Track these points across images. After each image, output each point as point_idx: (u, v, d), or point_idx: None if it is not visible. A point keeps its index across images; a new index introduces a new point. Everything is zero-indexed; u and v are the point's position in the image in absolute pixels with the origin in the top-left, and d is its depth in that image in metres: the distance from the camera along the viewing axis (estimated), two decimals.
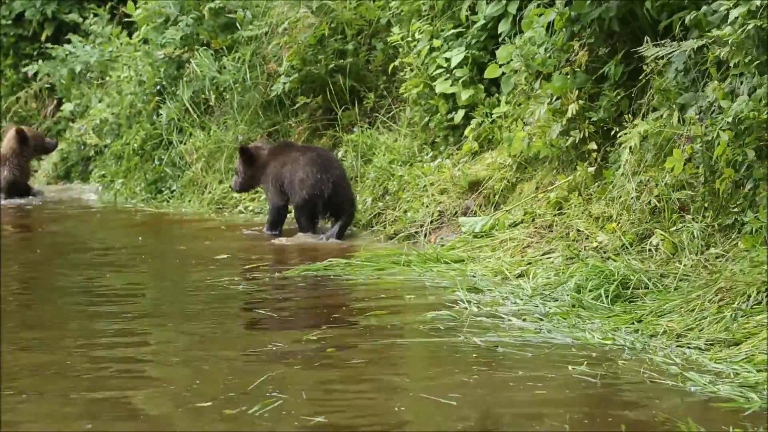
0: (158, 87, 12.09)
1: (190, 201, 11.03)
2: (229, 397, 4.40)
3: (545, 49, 7.61)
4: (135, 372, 4.89)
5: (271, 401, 4.26)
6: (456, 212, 8.17)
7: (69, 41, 14.93)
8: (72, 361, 5.05)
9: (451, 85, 8.70)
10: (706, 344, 5.05)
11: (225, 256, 8.12)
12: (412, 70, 9.11)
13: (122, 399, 4.46)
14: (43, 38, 16.08)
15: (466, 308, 5.94)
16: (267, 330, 5.69)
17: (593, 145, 7.22)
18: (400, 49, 9.40)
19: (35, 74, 15.41)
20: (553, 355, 5.01)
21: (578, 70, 7.31)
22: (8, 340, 5.48)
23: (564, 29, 7.49)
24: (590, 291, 5.84)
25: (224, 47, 11.40)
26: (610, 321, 5.47)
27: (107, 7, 14.79)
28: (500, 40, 8.45)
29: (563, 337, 5.28)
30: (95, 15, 14.68)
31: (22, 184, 12.16)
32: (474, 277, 6.72)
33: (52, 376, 4.73)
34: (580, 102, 7.21)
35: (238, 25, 11.27)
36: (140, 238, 9.39)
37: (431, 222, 8.25)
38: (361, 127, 9.91)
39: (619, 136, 6.84)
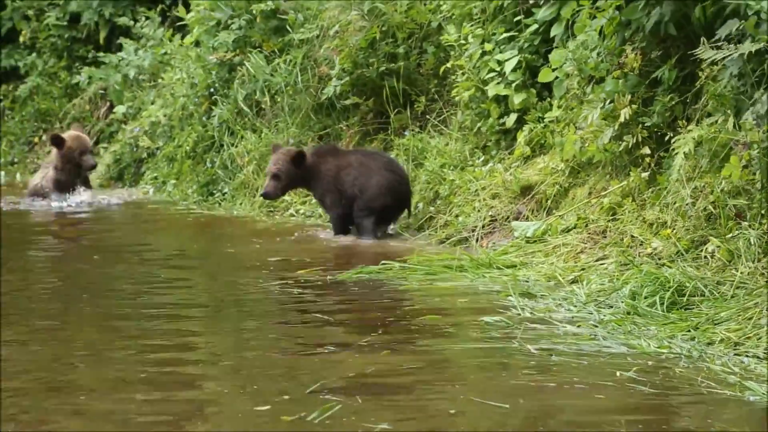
0: (210, 90, 12.17)
1: (241, 203, 11.09)
2: (286, 401, 4.42)
3: (598, 54, 7.58)
4: (188, 375, 4.91)
5: (329, 407, 4.26)
6: (508, 217, 8.15)
7: (121, 46, 15.07)
8: (124, 363, 5.08)
9: (503, 89, 8.68)
10: (764, 353, 4.99)
11: (277, 258, 8.16)
12: (463, 74, 9.10)
13: (176, 402, 4.48)
14: (101, 41, 16.24)
15: (519, 314, 5.92)
16: (320, 333, 5.69)
17: (647, 150, 7.17)
18: (452, 52, 9.39)
19: (88, 78, 15.57)
20: (608, 363, 4.98)
21: (631, 74, 7.27)
22: (64, 339, 5.54)
23: (616, 34, 7.46)
24: (645, 298, 5.80)
25: (276, 50, 11.45)
26: (666, 329, 5.43)
27: (158, 9, 14.92)
28: (553, 44, 8.42)
29: (618, 344, 5.25)
30: (147, 18, 14.81)
31: (57, 187, 12.10)
32: (527, 282, 6.70)
33: (105, 381, 4.75)
34: (633, 106, 7.17)
35: (289, 28, 11.32)
36: (195, 245, 9.45)
37: (483, 226, 8.24)
38: (412, 130, 9.92)
39: (673, 142, 6.79)
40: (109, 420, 4.26)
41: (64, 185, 12.06)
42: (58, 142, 11.97)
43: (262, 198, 9.54)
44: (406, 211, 8.92)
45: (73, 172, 12.10)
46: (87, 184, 12.30)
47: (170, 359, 5.21)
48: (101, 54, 15.29)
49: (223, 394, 4.57)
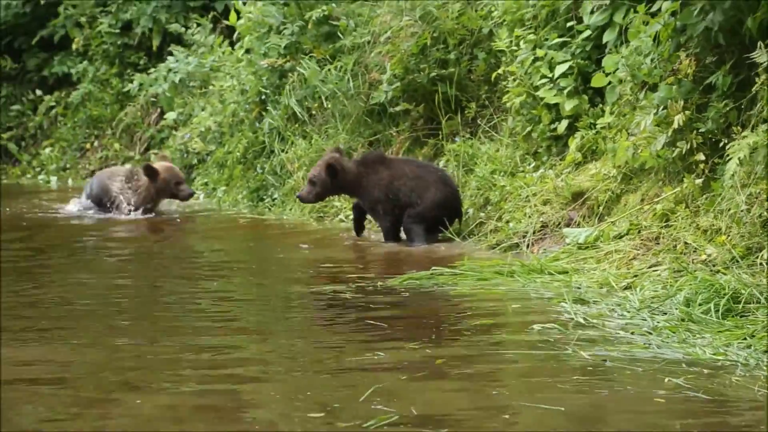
0: (261, 96, 12.23)
1: (291, 209, 11.13)
2: (339, 408, 4.41)
3: (651, 60, 7.54)
4: (241, 380, 4.93)
5: (386, 416, 4.23)
6: (559, 223, 8.12)
7: (171, 53, 15.19)
8: (176, 368, 5.10)
9: (555, 95, 8.66)
10: None
11: (327, 264, 8.18)
12: (515, 80, 9.08)
13: (230, 407, 4.49)
14: (153, 47, 16.38)
15: (572, 320, 5.89)
16: (372, 339, 5.69)
17: (701, 157, 7.12)
18: (503, 58, 9.38)
19: (139, 87, 15.71)
20: (662, 369, 4.93)
21: (685, 80, 7.22)
22: (118, 349, 5.58)
23: (670, 39, 7.41)
24: (700, 305, 5.74)
25: (327, 56, 11.49)
26: (722, 336, 5.37)
27: (210, 16, 15.02)
28: (606, 50, 8.38)
29: (673, 351, 5.20)
30: (198, 25, 14.92)
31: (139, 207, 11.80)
32: (579, 288, 6.67)
33: (155, 391, 4.77)
34: (687, 113, 7.12)
35: (340, 34, 11.35)
36: (245, 250, 9.48)
37: (534, 232, 8.21)
38: (462, 136, 9.91)
39: (728, 148, 6.74)
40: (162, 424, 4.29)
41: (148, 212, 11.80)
42: (151, 173, 11.62)
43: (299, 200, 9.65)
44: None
45: (157, 201, 11.88)
46: None
47: (219, 363, 5.23)
48: (152, 70, 15.41)
49: (274, 400, 4.57)
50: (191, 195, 11.80)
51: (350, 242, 9.27)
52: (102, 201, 11.89)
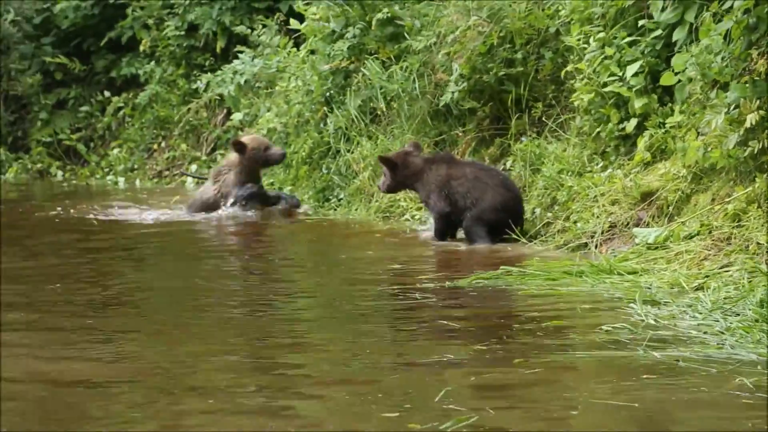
0: (326, 96, 12.26)
1: (356, 209, 11.16)
2: (413, 409, 4.38)
3: (722, 58, 7.45)
4: (309, 380, 4.93)
5: (465, 417, 4.19)
6: (628, 223, 8.05)
7: (237, 55, 15.29)
8: (240, 372, 5.13)
9: (625, 91, 8.58)
10: None
11: (394, 264, 8.19)
12: (582, 78, 9.01)
13: (296, 408, 4.49)
14: (218, 50, 16.51)
15: (642, 321, 5.83)
16: (441, 339, 5.68)
17: None
18: (570, 57, 9.32)
19: (205, 89, 15.85)
20: (737, 371, 4.87)
21: (757, 78, 7.13)
22: (185, 349, 5.62)
23: (742, 37, 7.32)
24: None
25: (392, 57, 11.49)
26: None
27: (276, 18, 15.11)
28: (676, 48, 8.29)
29: (747, 352, 5.13)
30: (264, 26, 15.01)
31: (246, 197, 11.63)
32: (649, 289, 6.60)
33: (221, 391, 4.79)
34: (760, 112, 7.02)
35: (406, 34, 11.35)
36: (311, 250, 9.52)
37: (602, 233, 8.15)
38: (529, 136, 9.87)
39: None
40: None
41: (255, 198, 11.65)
42: (240, 146, 11.67)
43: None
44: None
45: (255, 175, 11.78)
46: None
47: (287, 364, 5.24)
48: (218, 72, 15.51)
49: (344, 400, 4.56)
50: (284, 155, 11.76)
51: (416, 242, 9.27)
52: (208, 209, 11.72)
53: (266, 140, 11.89)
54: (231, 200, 11.59)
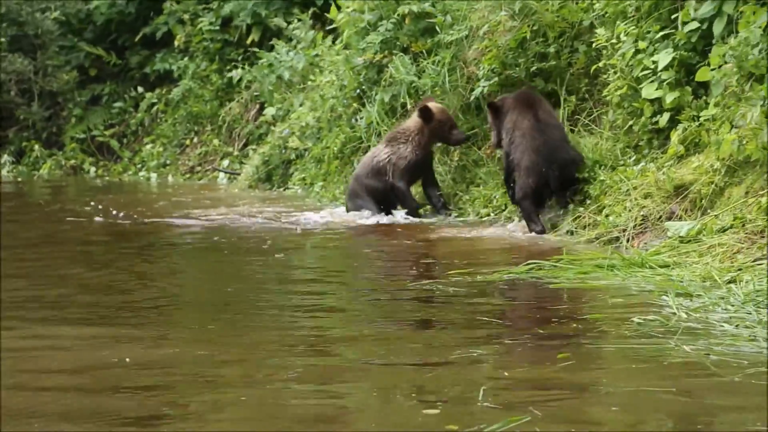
0: (358, 91, 12.26)
1: None
2: (449, 405, 4.31)
3: (759, 50, 7.37)
4: (344, 377, 4.89)
5: (516, 418, 4.08)
6: (660, 217, 7.99)
7: (272, 47, 15.31)
8: (270, 366, 5.11)
9: (656, 89, 8.51)
10: None
11: (424, 258, 8.16)
12: (615, 73, 8.95)
13: (337, 405, 4.46)
14: (249, 42, 16.54)
15: (674, 313, 5.77)
16: (474, 334, 5.64)
17: None
18: (604, 51, 9.26)
19: (239, 80, 15.89)
20: None
21: None
22: (215, 347, 5.62)
23: None
24: None
25: (424, 51, 11.47)
26: None
27: (310, 12, 15.13)
28: (713, 41, 8.20)
29: None
30: (299, 20, 15.03)
31: (409, 173, 10.70)
32: (681, 282, 6.54)
33: (256, 384, 4.78)
34: None
35: (438, 29, 11.32)
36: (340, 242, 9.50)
37: (634, 226, 8.08)
38: None
39: None
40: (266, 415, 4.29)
41: (419, 169, 10.70)
42: (427, 113, 10.52)
43: None
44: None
45: (429, 151, 10.79)
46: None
47: (320, 357, 5.21)
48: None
49: (381, 397, 4.51)
50: (465, 139, 10.69)
51: (442, 235, 9.24)
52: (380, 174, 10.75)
53: (452, 118, 10.72)
54: (398, 179, 10.60)
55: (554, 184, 8.85)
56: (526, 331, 5.61)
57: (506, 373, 4.79)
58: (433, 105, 10.59)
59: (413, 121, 10.68)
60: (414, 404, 4.32)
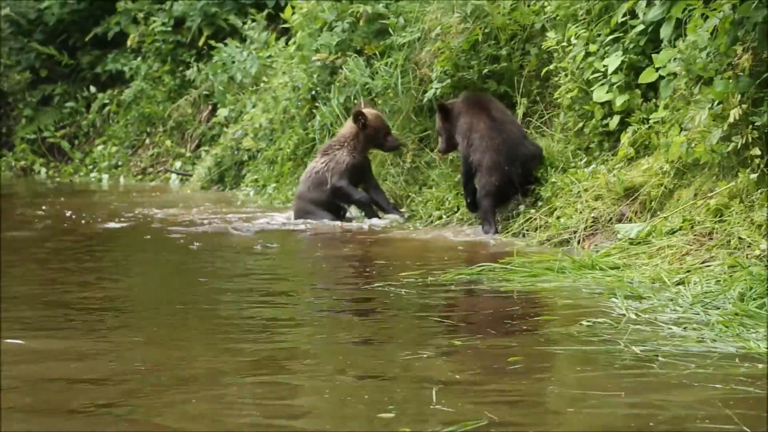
0: (312, 92, 12.24)
1: None
2: (408, 414, 4.30)
3: (707, 54, 7.44)
4: (296, 385, 4.88)
5: (471, 423, 4.04)
6: (611, 219, 8.05)
7: (226, 45, 15.25)
8: (229, 373, 5.09)
9: (607, 92, 8.57)
10: None
11: (377, 260, 8.16)
12: (566, 75, 9.01)
13: (284, 406, 4.45)
14: (201, 43, 16.46)
15: (623, 315, 5.81)
16: (425, 336, 5.64)
17: (756, 151, 7.01)
18: (555, 54, 9.31)
19: (192, 80, 15.82)
20: (716, 364, 4.86)
21: (741, 74, 7.12)
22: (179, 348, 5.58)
23: (727, 33, 7.30)
24: (754, 300, 5.65)
25: (377, 53, 11.48)
26: None
27: (265, 14, 15.09)
28: (661, 44, 8.27)
29: (726, 346, 5.12)
30: (253, 21, 14.99)
31: (351, 175, 10.59)
32: (631, 283, 6.59)
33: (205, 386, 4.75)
34: (743, 107, 7.02)
35: (391, 31, 11.33)
36: (289, 245, 9.48)
37: (585, 228, 8.13)
38: None
39: None
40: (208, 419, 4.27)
41: (359, 172, 10.64)
42: (361, 118, 10.49)
43: None
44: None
45: (366, 156, 10.72)
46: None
47: (271, 361, 5.20)
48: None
49: (332, 400, 4.50)
50: (397, 147, 10.70)
51: (393, 236, 9.25)
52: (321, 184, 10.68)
53: (387, 123, 10.75)
54: (337, 180, 10.53)
55: (518, 181, 8.92)
56: (478, 333, 5.62)
57: (458, 377, 4.80)
58: (367, 111, 10.60)
59: (348, 127, 10.69)
60: (367, 408, 4.31)
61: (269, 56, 14.14)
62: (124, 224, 10.93)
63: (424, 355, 5.13)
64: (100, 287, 7.24)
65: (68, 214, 11.69)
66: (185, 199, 13.53)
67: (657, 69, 8.07)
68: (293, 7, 12.92)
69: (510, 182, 8.91)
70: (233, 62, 14.62)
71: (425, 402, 4.34)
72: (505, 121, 9.09)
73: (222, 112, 15.02)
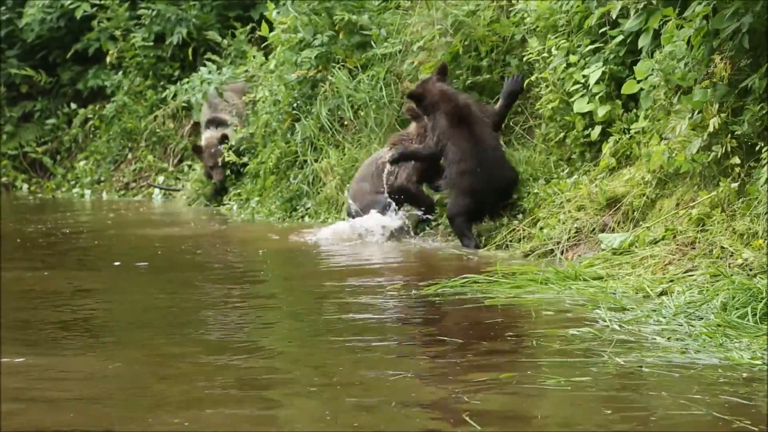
0: (293, 106, 12.23)
1: (324, 219, 11.13)
2: (385, 414, 4.32)
3: (685, 63, 7.47)
4: (273, 395, 4.88)
5: None
6: (593, 229, 8.06)
7: (205, 63, 15.22)
8: (207, 380, 5.08)
9: (588, 102, 8.59)
10: None
11: (360, 270, 8.15)
12: (547, 86, 9.03)
13: (257, 417, 4.44)
14: (187, 55, 16.41)
15: (607, 326, 5.83)
16: (407, 348, 5.65)
17: (736, 160, 7.04)
18: (536, 65, 9.33)
19: (174, 95, 15.77)
20: (700, 374, 4.88)
21: (720, 83, 7.15)
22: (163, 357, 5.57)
23: (704, 43, 7.33)
24: (737, 309, 5.67)
25: (358, 65, 11.48)
26: (759, 340, 5.30)
27: (247, 28, 15.06)
28: (640, 55, 8.30)
29: (710, 357, 5.14)
30: (233, 36, 14.97)
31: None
32: (614, 294, 6.60)
33: (188, 396, 4.75)
34: (722, 116, 7.05)
35: (372, 43, 11.34)
36: (272, 258, 9.47)
37: (568, 239, 8.15)
38: None
39: (764, 151, 6.66)
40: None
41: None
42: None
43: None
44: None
45: None
46: None
47: (250, 378, 5.19)
48: (186, 80, 15.44)
49: (309, 410, 4.51)
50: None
51: (381, 248, 9.26)
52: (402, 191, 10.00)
53: None
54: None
55: (493, 203, 8.92)
56: (461, 346, 5.62)
57: (444, 389, 4.81)
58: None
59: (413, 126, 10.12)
60: (351, 424, 4.32)
61: (248, 70, 14.10)
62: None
63: (410, 369, 5.15)
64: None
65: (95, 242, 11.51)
66: (195, 219, 13.32)
67: (638, 81, 8.08)
68: (270, 23, 12.87)
69: (484, 205, 8.90)
70: (209, 82, 14.54)
71: (411, 416, 4.36)
72: (485, 140, 9.01)
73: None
